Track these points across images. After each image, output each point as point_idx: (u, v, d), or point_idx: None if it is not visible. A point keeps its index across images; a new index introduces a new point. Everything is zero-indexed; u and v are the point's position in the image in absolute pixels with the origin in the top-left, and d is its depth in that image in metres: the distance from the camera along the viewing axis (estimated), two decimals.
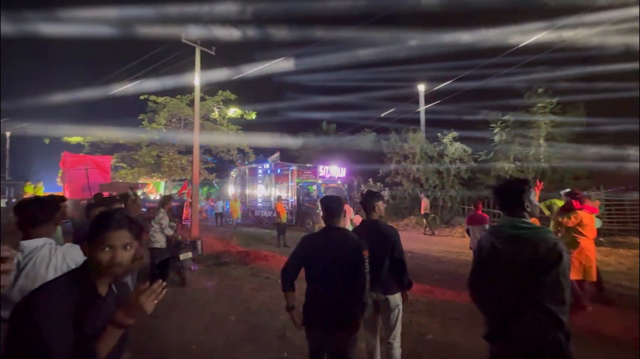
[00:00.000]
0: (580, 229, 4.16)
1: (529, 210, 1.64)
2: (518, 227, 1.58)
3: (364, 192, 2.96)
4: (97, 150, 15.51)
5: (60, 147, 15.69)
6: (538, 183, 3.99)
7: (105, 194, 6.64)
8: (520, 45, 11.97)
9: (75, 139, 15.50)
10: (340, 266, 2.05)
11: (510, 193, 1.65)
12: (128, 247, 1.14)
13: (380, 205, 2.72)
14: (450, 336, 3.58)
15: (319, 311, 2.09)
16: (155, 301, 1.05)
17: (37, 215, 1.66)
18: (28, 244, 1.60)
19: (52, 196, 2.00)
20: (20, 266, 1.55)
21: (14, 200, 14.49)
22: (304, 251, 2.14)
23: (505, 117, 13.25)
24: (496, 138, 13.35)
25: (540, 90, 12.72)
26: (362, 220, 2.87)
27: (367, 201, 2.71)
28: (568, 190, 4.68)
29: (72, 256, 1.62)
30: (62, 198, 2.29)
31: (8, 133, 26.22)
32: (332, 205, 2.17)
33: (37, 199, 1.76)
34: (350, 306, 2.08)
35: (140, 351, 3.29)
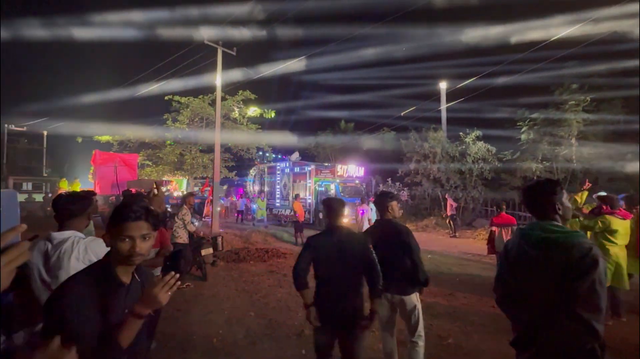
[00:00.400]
0: (608, 235, 3.89)
1: (560, 212, 1.56)
2: (549, 230, 1.51)
3: (378, 193, 2.97)
4: (125, 148, 16.26)
5: (91, 145, 16.60)
6: (587, 183, 3.78)
7: (133, 191, 6.95)
8: (550, 40, 11.39)
9: (104, 138, 16.33)
10: (349, 262, 2.14)
11: (541, 195, 1.58)
12: (147, 238, 1.18)
13: (394, 206, 2.71)
14: (472, 342, 3.49)
15: (329, 309, 2.15)
16: (169, 293, 1.06)
17: (71, 209, 1.76)
18: (57, 235, 1.70)
19: (84, 191, 2.11)
20: (49, 256, 1.65)
21: (50, 195, 15.45)
22: (312, 251, 2.22)
23: (534, 115, 12.65)
24: (523, 137, 12.78)
25: (574, 86, 12.03)
26: (376, 220, 2.86)
27: (381, 202, 2.73)
28: (603, 193, 4.41)
29: (94, 249, 1.68)
30: (92, 193, 2.41)
31: (45, 132, 28.01)
32: (335, 205, 2.28)
33: (71, 194, 1.87)
34: (361, 302, 2.16)
35: (166, 342, 3.44)
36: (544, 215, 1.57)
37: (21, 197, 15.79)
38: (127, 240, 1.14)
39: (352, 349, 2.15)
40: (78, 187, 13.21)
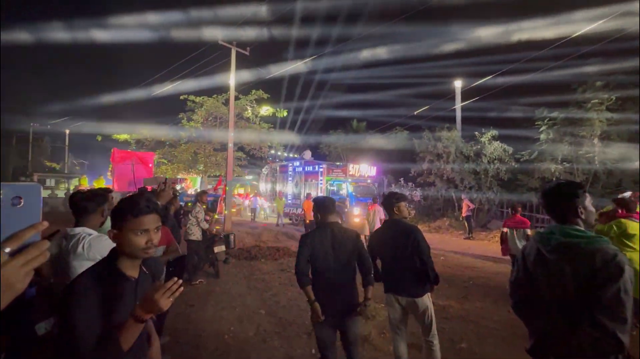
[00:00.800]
0: (625, 240, 3.66)
1: (582, 216, 1.49)
2: (570, 235, 1.44)
3: (385, 193, 2.98)
4: (142, 147, 16.70)
5: (110, 143, 17.16)
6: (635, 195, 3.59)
7: (149, 188, 7.13)
8: (572, 36, 10.95)
9: (123, 136, 16.84)
10: (343, 256, 2.30)
11: (562, 198, 1.51)
12: (158, 229, 1.19)
13: (402, 206, 2.70)
14: (486, 347, 3.40)
15: (328, 301, 2.26)
16: (171, 299, 1.04)
17: (83, 206, 1.79)
18: (70, 232, 1.74)
19: (100, 188, 2.15)
20: (62, 251, 1.69)
21: (71, 191, 16.07)
22: (309, 248, 2.31)
23: (553, 114, 12.20)
24: (542, 136, 12.33)
25: (598, 84, 11.51)
26: (384, 221, 2.87)
27: (387, 202, 2.74)
28: (629, 193, 4.17)
29: (97, 246, 1.68)
30: (108, 190, 2.46)
31: (67, 131, 29.12)
32: (327, 204, 2.43)
33: (87, 191, 1.91)
34: (356, 292, 2.34)
35: (178, 337, 3.51)
36: (565, 218, 1.50)
37: (44, 193, 16.49)
38: (143, 233, 1.14)
39: (350, 334, 2.31)
40: (103, 184, 13.62)
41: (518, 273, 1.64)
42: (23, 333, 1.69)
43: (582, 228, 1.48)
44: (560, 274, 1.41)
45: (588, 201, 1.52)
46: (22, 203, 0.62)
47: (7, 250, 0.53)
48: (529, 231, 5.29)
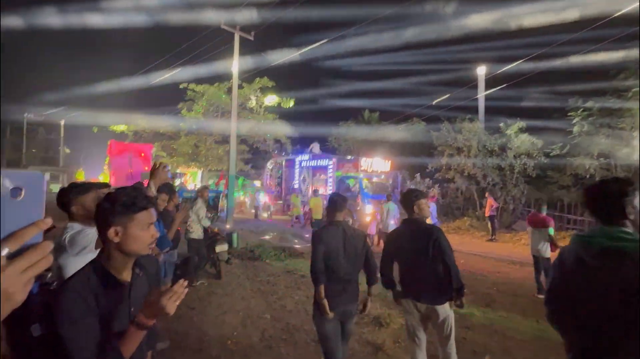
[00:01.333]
0: None
1: (631, 217, 1.42)
2: (615, 238, 1.38)
3: (402, 191, 3.01)
4: (140, 139, 16.93)
5: (107, 135, 17.44)
6: None
7: (146, 182, 7.22)
8: (612, 16, 10.53)
9: (119, 128, 17.09)
10: (352, 253, 2.49)
11: (608, 196, 1.44)
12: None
13: (422, 204, 2.69)
14: None
15: (337, 297, 2.43)
16: (178, 303, 1.04)
17: (60, 201, 1.79)
18: (63, 227, 1.75)
19: (98, 182, 2.15)
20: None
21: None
22: (324, 246, 2.45)
23: (588, 104, 11.83)
24: (575, 129, 11.99)
25: None
26: (402, 220, 2.91)
27: (406, 200, 2.74)
28: None
29: (78, 240, 1.68)
30: (106, 184, 2.44)
31: (62, 122, 29.74)
32: (340, 202, 2.59)
33: (70, 184, 1.90)
34: (359, 288, 2.57)
35: (179, 341, 3.56)
36: (610, 220, 1.43)
37: None
38: (149, 227, 1.15)
39: (347, 327, 2.58)
40: (108, 179, 13.66)
41: (555, 280, 1.59)
42: (19, 330, 1.72)
43: (630, 231, 1.41)
44: (603, 282, 1.35)
45: (638, 200, 1.45)
46: (23, 195, 0.54)
47: (5, 251, 0.47)
48: (552, 231, 5.19)
